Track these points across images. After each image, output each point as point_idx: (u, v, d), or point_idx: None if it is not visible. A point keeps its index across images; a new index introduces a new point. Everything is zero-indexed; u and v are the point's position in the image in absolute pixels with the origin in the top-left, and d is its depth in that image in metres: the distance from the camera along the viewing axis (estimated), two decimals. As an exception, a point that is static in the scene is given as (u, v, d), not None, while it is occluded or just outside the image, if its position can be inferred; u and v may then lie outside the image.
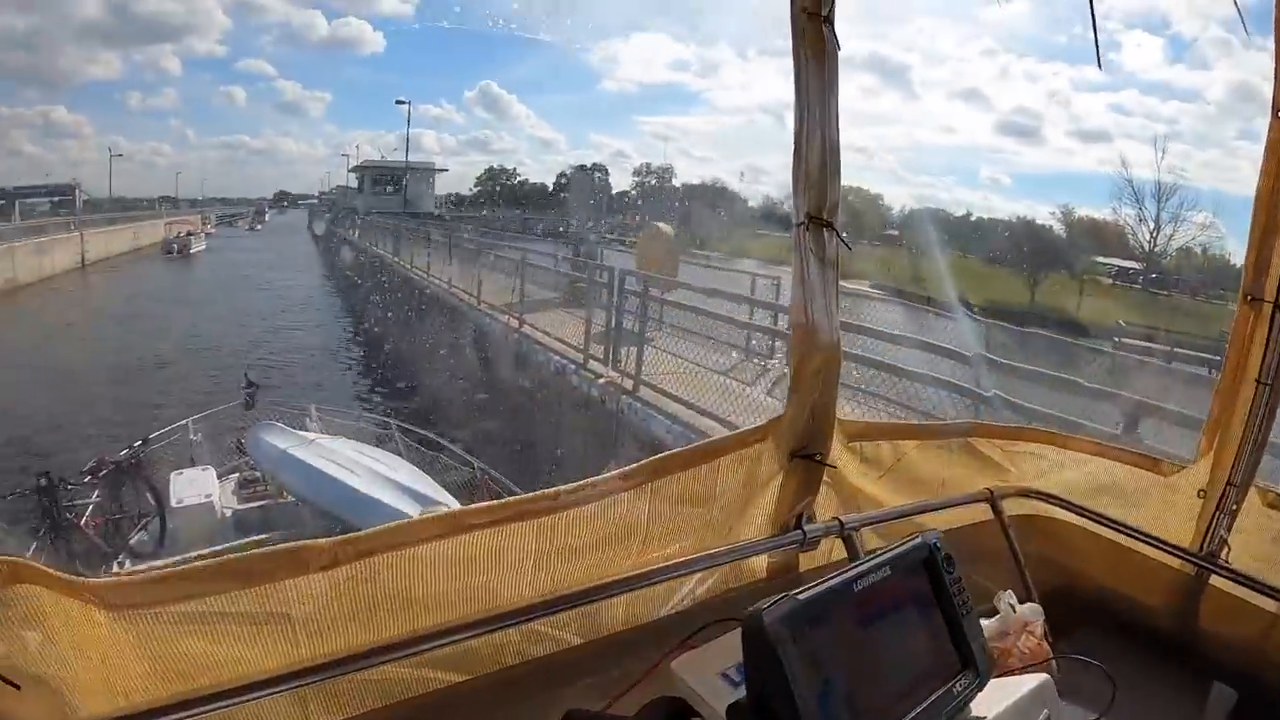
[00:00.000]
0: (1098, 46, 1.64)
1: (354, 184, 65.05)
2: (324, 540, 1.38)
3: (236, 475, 9.89)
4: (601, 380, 11.27)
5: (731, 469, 1.76)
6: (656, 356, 11.43)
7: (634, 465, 1.65)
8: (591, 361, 12.03)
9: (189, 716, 1.24)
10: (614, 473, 1.64)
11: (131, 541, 8.60)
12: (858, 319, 11.05)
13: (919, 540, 1.39)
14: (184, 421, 10.91)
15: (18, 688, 1.11)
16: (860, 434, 1.96)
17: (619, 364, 11.43)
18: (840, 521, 1.78)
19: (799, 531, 1.76)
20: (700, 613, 1.63)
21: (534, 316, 14.83)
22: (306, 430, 10.12)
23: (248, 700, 1.31)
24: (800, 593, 1.19)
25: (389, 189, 58.04)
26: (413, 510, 7.21)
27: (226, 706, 1.28)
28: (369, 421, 11.98)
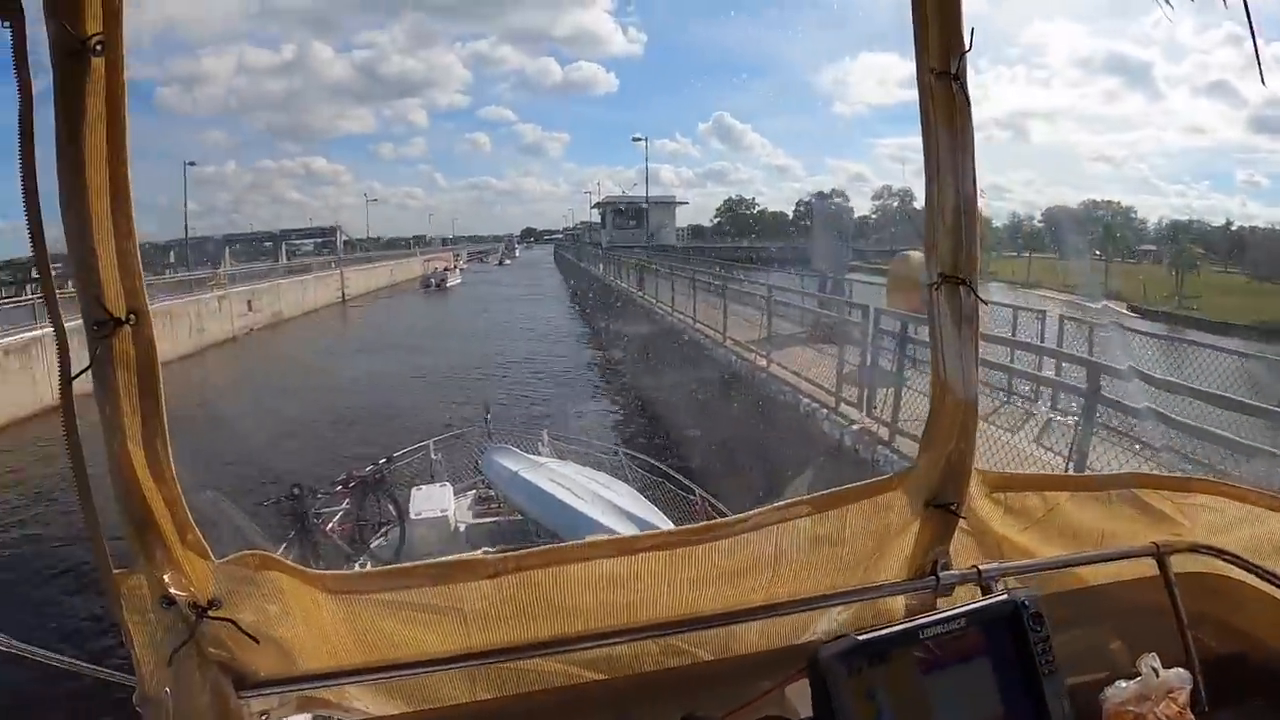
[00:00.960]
0: (1258, 57, 1.46)
1: (596, 219, 67.04)
2: (493, 555, 1.68)
3: (473, 493, 10.57)
4: (855, 427, 10.66)
5: (861, 516, 1.79)
6: (912, 400, 10.47)
7: (762, 509, 1.72)
8: (843, 405, 11.33)
9: (382, 677, 1.65)
10: (751, 512, 1.73)
11: (372, 546, 9.20)
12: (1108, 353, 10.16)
13: (1005, 596, 1.46)
14: (426, 442, 11.70)
15: (257, 642, 1.46)
16: (1003, 485, 1.92)
17: (874, 409, 10.70)
18: (978, 570, 1.75)
19: (933, 578, 1.76)
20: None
21: (781, 354, 14.26)
22: (538, 454, 10.60)
23: (427, 671, 1.66)
24: (861, 633, 1.33)
25: (631, 223, 59.22)
26: (630, 531, 7.01)
27: (411, 674, 1.66)
28: (597, 449, 12.23)
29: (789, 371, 13.39)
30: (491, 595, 1.67)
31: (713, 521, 1.76)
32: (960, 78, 1.53)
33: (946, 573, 1.76)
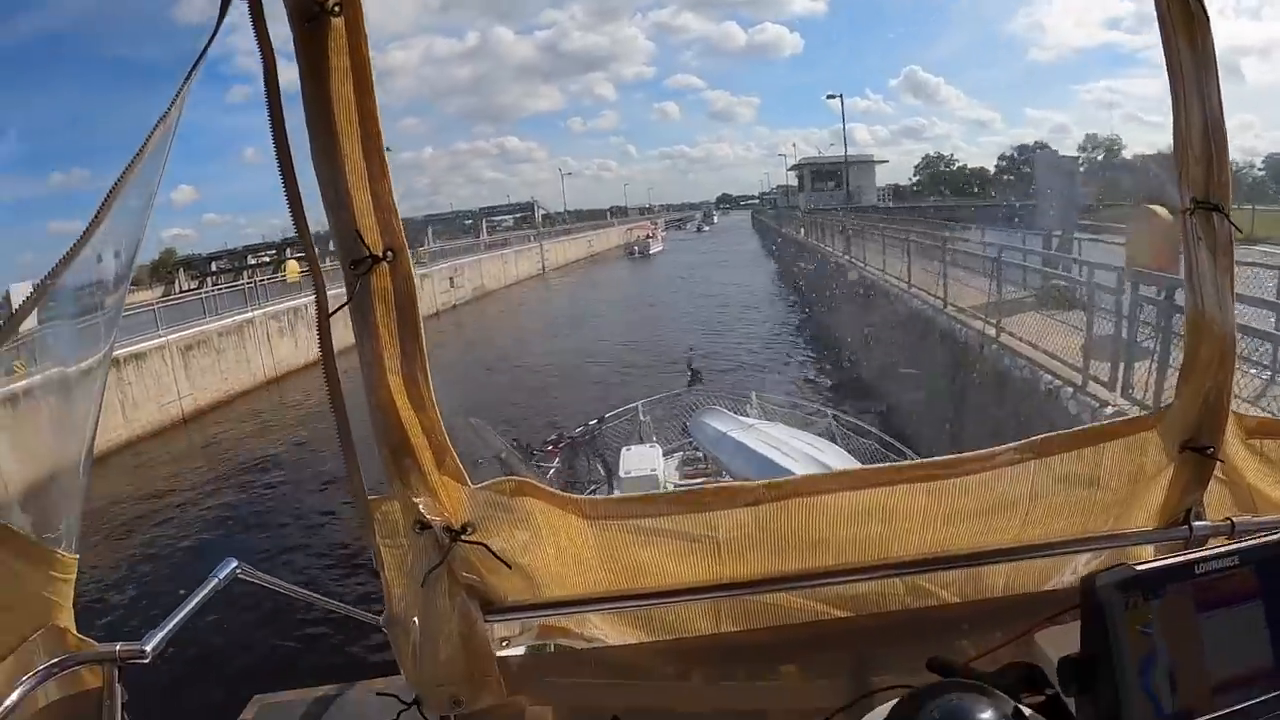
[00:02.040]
0: None
1: (793, 182, 66.09)
2: (753, 483, 1.69)
3: (680, 454, 10.81)
4: (1109, 409, 8.94)
5: (1116, 455, 1.72)
6: (1174, 379, 9.00)
7: (1020, 441, 1.67)
8: (1091, 384, 9.66)
9: (631, 605, 1.74)
10: (1001, 447, 1.70)
11: None
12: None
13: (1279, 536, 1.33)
14: (635, 404, 12.23)
15: (509, 566, 1.55)
16: (1261, 430, 1.78)
17: (1130, 389, 9.15)
18: (1232, 522, 1.66)
19: (1185, 527, 1.69)
20: (1076, 594, 1.40)
21: (1010, 322, 12.77)
22: (747, 415, 10.79)
23: (675, 601, 1.75)
24: (1139, 564, 1.26)
25: (829, 184, 57.94)
26: None
27: (658, 603, 1.75)
28: (805, 411, 12.23)
29: (1022, 342, 11.94)
30: (747, 524, 1.67)
31: (965, 455, 1.71)
32: None
33: (1199, 523, 1.70)
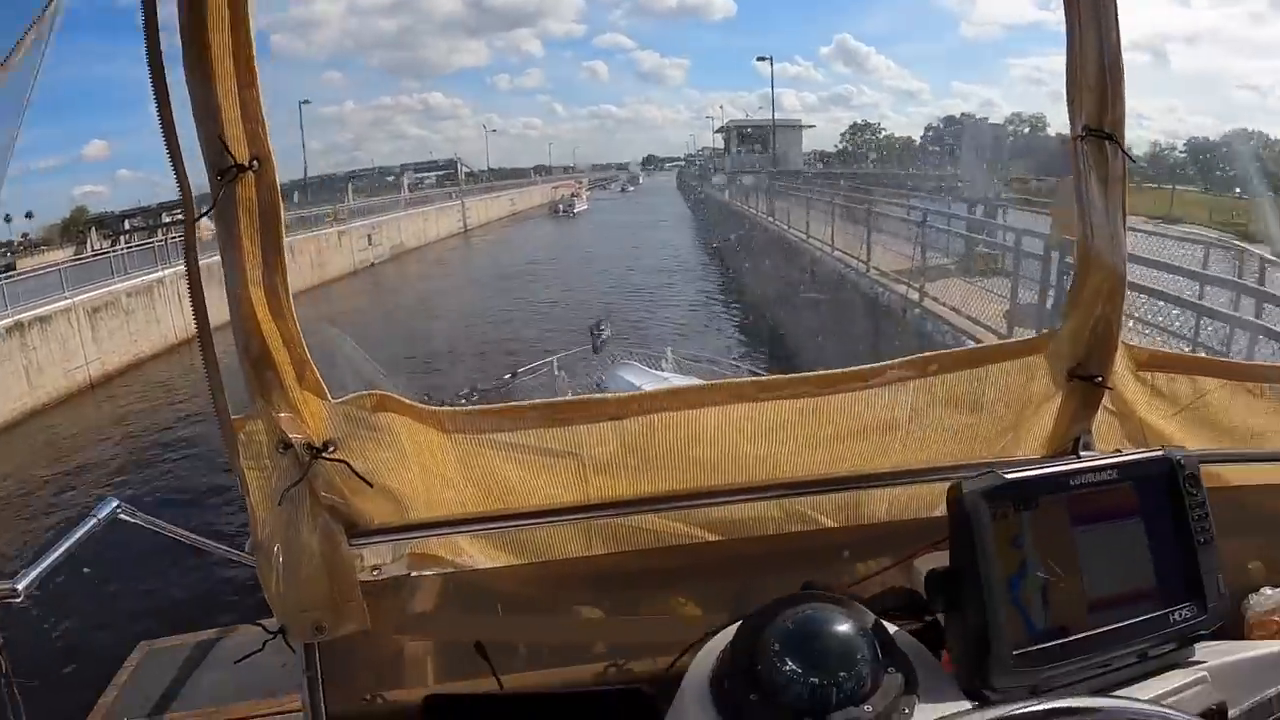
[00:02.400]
0: None
1: (719, 145, 65.82)
2: (617, 395, 1.62)
3: None
4: None
5: (1001, 379, 1.68)
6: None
7: (899, 360, 1.64)
8: None
9: (497, 526, 1.64)
10: (882, 364, 1.65)
11: None
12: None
13: (1161, 453, 1.32)
14: (550, 359, 12.34)
15: (370, 485, 1.45)
16: (1153, 363, 1.77)
17: None
18: (1120, 454, 1.50)
19: (1073, 457, 1.60)
20: None
21: (934, 288, 12.69)
22: (662, 370, 10.96)
23: (543, 522, 1.64)
24: (1008, 471, 1.20)
25: (756, 147, 57.66)
26: None
27: (527, 525, 1.64)
28: (722, 367, 12.36)
29: (945, 307, 11.87)
30: (612, 441, 1.61)
31: (844, 370, 1.65)
32: None
33: (1087, 454, 1.61)
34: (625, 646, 1.75)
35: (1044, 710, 1.01)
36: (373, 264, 37.68)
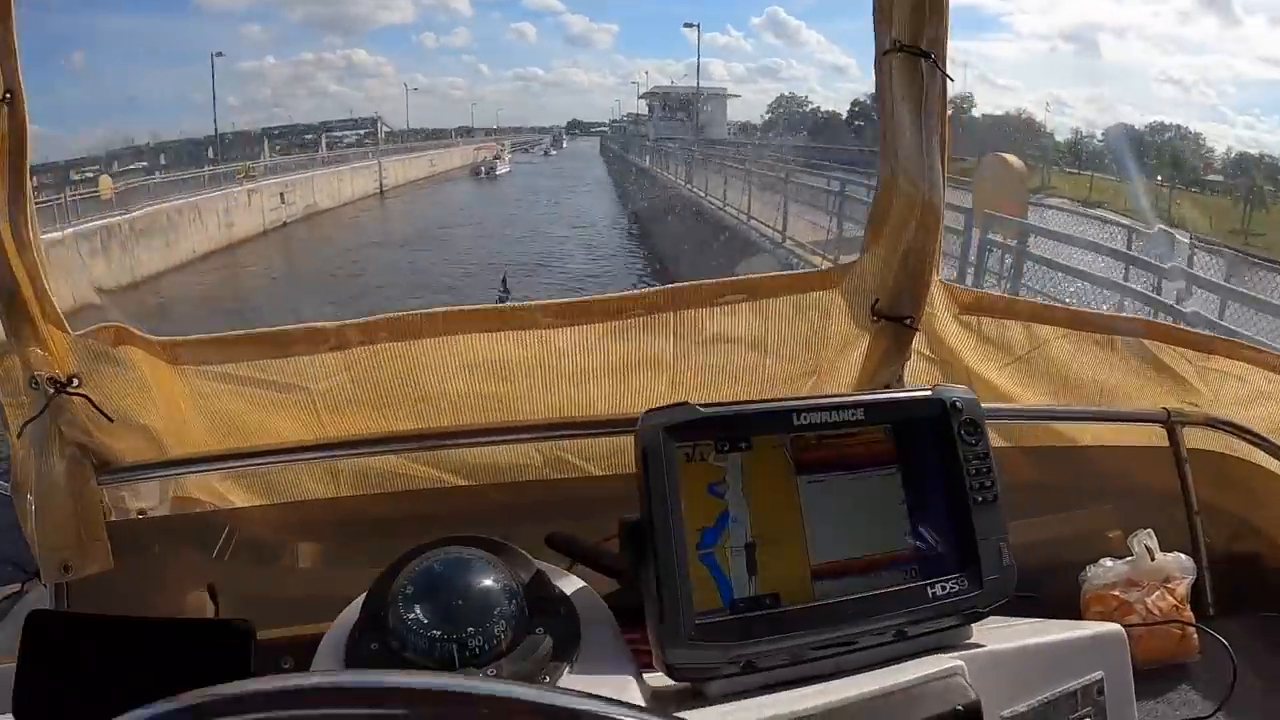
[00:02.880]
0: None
1: (644, 111, 65.46)
2: (335, 323, 1.51)
3: None
4: None
5: (785, 316, 1.57)
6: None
7: (651, 290, 1.55)
8: None
9: (232, 465, 1.60)
10: (638, 292, 1.60)
11: None
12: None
13: (929, 392, 1.12)
14: None
15: (111, 420, 1.41)
16: (976, 305, 1.65)
17: None
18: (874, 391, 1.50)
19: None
20: None
21: (850, 259, 12.42)
22: None
23: (281, 461, 1.59)
24: (708, 405, 1.03)
25: (680, 115, 57.47)
26: None
27: (265, 463, 1.60)
28: None
29: None
30: (339, 374, 1.54)
31: (608, 295, 1.57)
32: None
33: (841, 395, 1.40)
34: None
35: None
36: (285, 223, 36.38)
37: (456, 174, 63.75)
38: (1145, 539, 1.52)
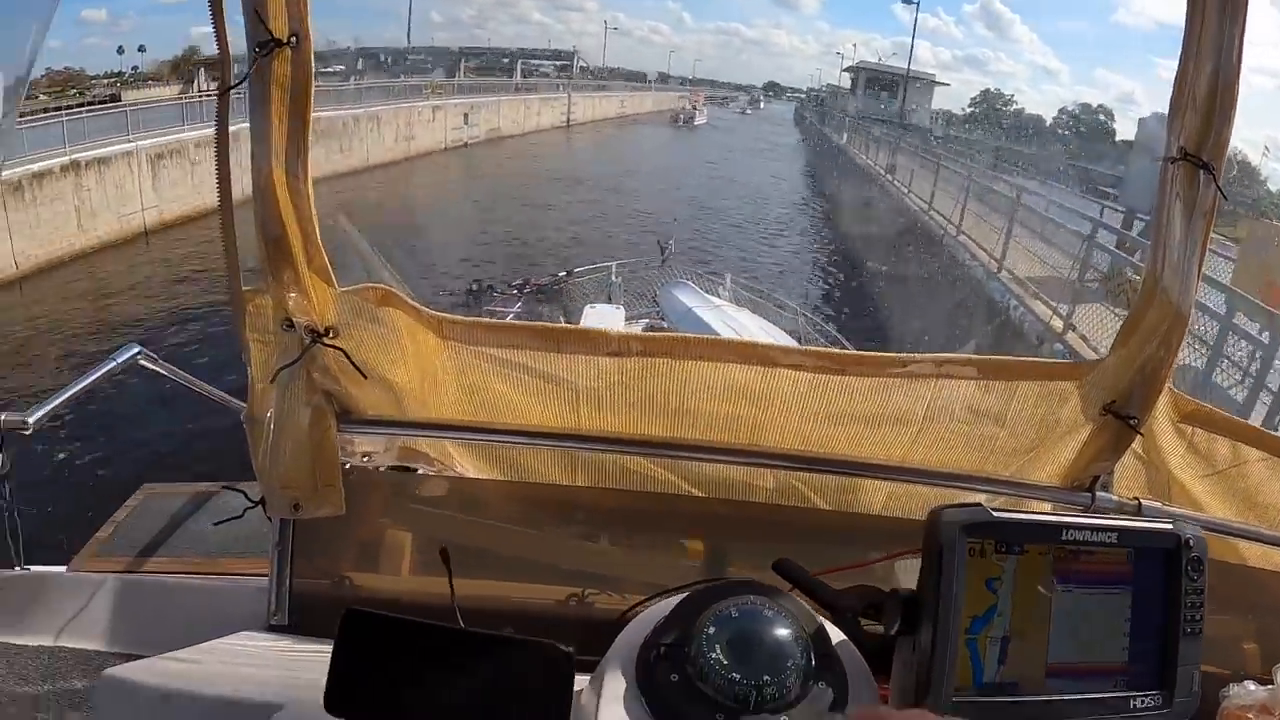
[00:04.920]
0: None
1: (845, 84, 63.64)
2: (618, 331, 1.59)
3: (645, 321, 10.58)
4: None
5: (1029, 398, 1.60)
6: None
7: (924, 355, 1.61)
8: None
9: (483, 439, 1.69)
10: (906, 355, 1.62)
11: None
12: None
13: (1169, 527, 1.22)
14: (609, 263, 12.18)
15: (364, 376, 1.48)
16: (1196, 416, 1.62)
17: None
18: (1139, 502, 1.55)
19: (1088, 494, 1.57)
20: None
21: (1085, 313, 10.52)
22: (718, 296, 10.68)
23: (529, 443, 1.68)
24: (996, 509, 1.14)
25: (884, 95, 54.99)
26: None
27: (512, 442, 1.68)
28: (775, 303, 11.98)
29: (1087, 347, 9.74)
30: (609, 376, 1.61)
31: (865, 353, 1.61)
32: None
33: (1104, 494, 1.58)
34: (594, 580, 1.73)
35: None
36: (465, 144, 36.59)
37: (647, 118, 64.11)
38: None
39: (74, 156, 17.16)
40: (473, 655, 1.07)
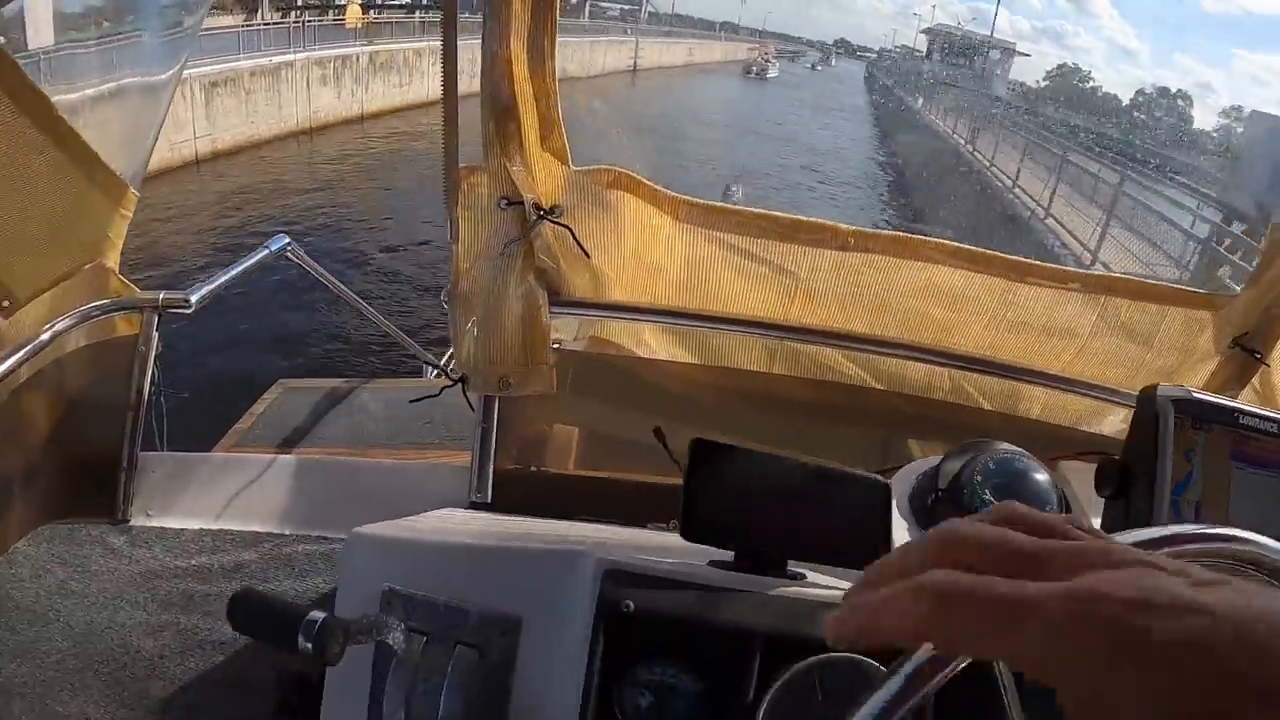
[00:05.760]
0: None
1: (920, 47, 62.34)
2: (846, 227, 1.65)
3: None
4: None
5: (1175, 323, 1.75)
6: None
7: (1095, 272, 2.22)
8: None
9: (693, 325, 1.72)
10: (1076, 269, 1.73)
11: None
12: None
13: None
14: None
15: (589, 256, 1.53)
16: None
17: None
18: None
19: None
20: (1103, 443, 1.67)
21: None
22: None
23: (738, 331, 1.74)
24: (1196, 392, 1.25)
25: (960, 61, 53.58)
26: None
27: (722, 329, 1.74)
28: None
29: None
30: (828, 270, 1.66)
31: (1044, 264, 1.72)
32: None
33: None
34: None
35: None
36: None
37: (715, 68, 63.47)
38: None
39: (121, 82, 16.73)
40: (804, 482, 1.13)
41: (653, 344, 1.83)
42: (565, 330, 1.71)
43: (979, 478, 1.19)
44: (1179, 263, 11.28)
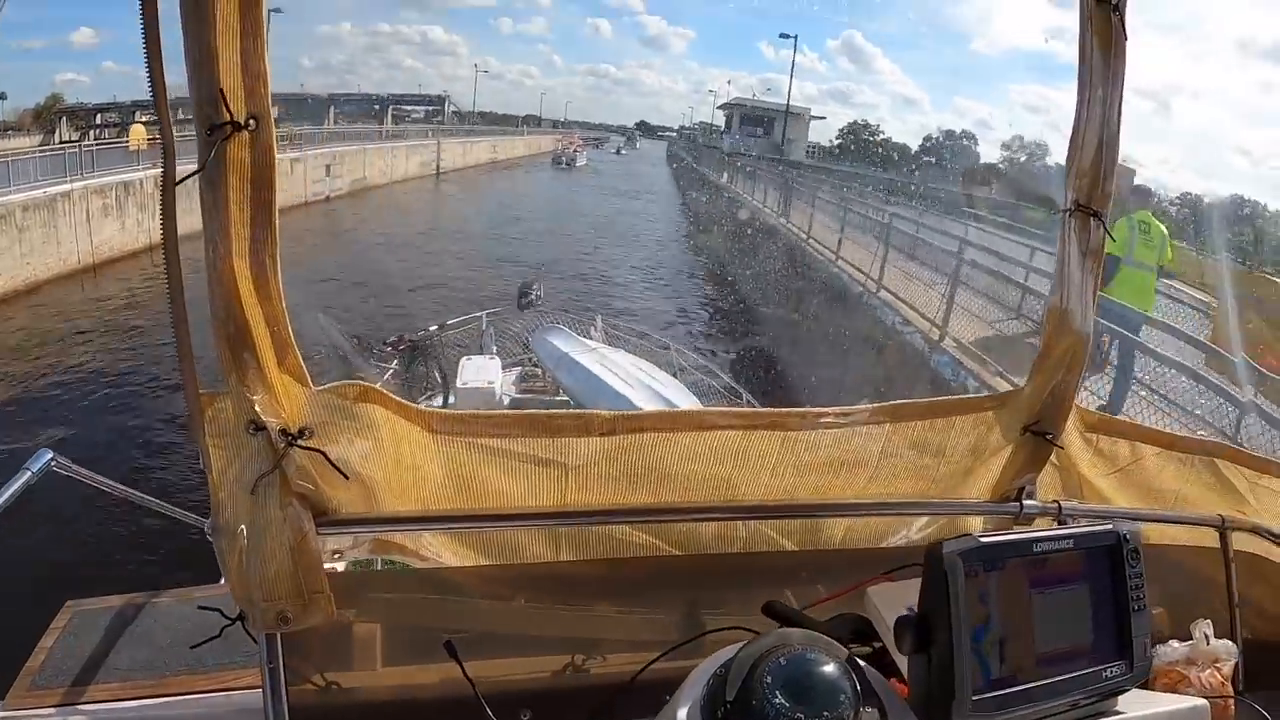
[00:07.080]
0: None
1: (719, 121, 64.84)
2: (608, 412, 1.64)
3: (519, 369, 10.73)
4: None
5: (964, 430, 1.81)
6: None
7: (878, 404, 1.76)
8: None
9: (473, 526, 1.70)
10: (858, 406, 1.75)
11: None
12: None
13: (1109, 527, 1.46)
14: (479, 314, 12.04)
15: (346, 477, 1.44)
16: (1099, 426, 1.95)
17: None
18: (1059, 505, 1.80)
19: (1016, 504, 1.80)
20: (909, 554, 1.62)
21: (956, 323, 10.95)
22: (590, 339, 10.72)
23: (516, 526, 1.71)
24: (983, 536, 1.33)
25: (759, 131, 56.06)
26: None
27: (499, 527, 1.71)
28: (651, 343, 12.16)
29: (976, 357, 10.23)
30: (598, 453, 1.65)
31: (824, 409, 1.76)
32: (1120, 9, 1.54)
33: (1029, 502, 1.80)
34: (591, 647, 1.81)
35: None
36: (328, 197, 34.61)
37: (520, 163, 64.22)
38: (1204, 627, 1.79)
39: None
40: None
41: (435, 546, 1.79)
42: (341, 540, 1.64)
43: (768, 679, 1.15)
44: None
